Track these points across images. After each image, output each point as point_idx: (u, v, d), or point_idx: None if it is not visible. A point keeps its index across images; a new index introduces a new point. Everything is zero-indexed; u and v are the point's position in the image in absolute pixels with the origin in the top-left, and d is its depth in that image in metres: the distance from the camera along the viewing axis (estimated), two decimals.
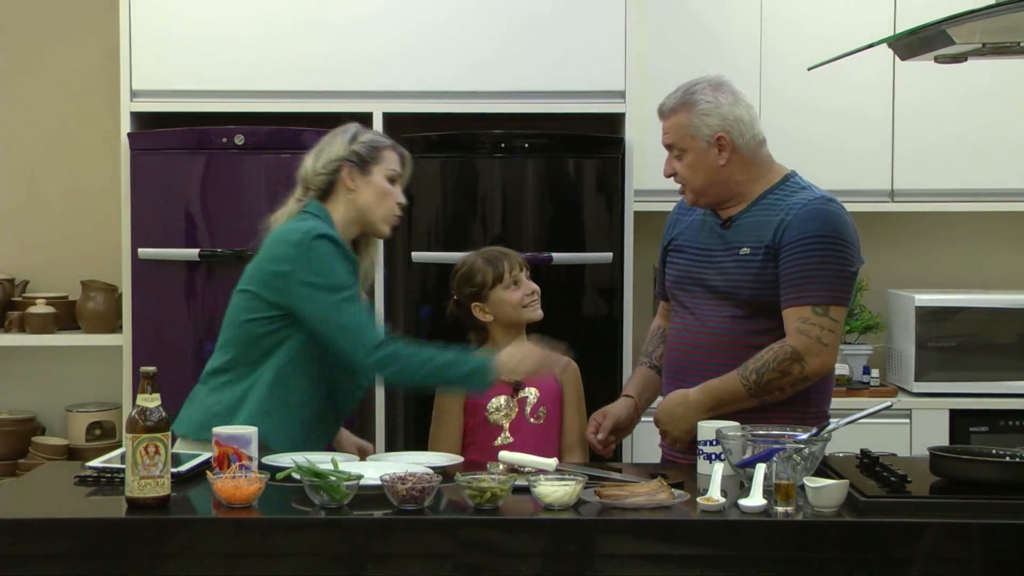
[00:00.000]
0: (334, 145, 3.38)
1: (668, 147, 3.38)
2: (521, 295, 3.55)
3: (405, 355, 3.21)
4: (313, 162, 3.38)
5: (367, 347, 3.18)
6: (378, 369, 3.26)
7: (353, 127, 3.43)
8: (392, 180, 3.37)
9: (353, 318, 3.20)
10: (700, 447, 3.13)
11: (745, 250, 3.30)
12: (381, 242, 3.52)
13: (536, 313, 3.57)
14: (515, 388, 3.53)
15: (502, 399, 3.53)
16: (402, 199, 3.40)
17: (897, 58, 3.31)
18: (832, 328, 3.22)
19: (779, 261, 3.25)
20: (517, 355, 3.32)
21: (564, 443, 3.57)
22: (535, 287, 3.57)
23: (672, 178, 3.39)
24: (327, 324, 3.20)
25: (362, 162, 3.35)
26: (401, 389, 3.26)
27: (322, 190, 3.35)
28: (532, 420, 3.53)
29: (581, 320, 4.53)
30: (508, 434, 3.51)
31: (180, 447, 3.20)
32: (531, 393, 3.54)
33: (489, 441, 3.51)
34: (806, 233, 3.24)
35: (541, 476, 2.84)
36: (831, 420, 3.11)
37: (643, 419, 3.58)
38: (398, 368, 3.22)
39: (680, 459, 3.34)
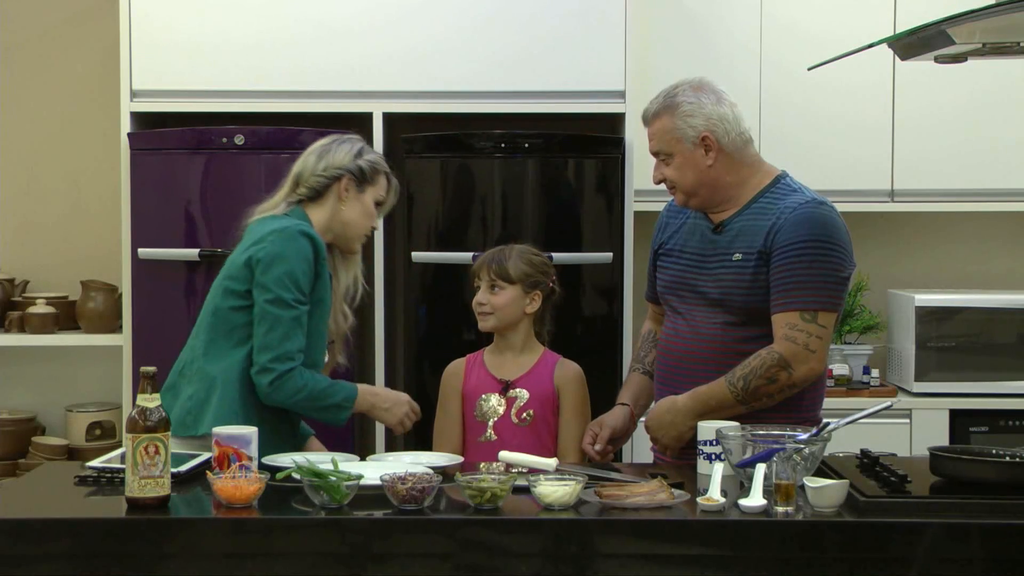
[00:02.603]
0: (340, 153, 3.42)
1: (655, 154, 3.36)
2: (475, 301, 3.55)
3: (298, 375, 3.24)
4: (315, 162, 3.42)
5: (277, 354, 3.22)
6: (267, 374, 3.23)
7: (359, 141, 3.49)
8: (378, 204, 3.47)
9: (284, 327, 3.23)
10: (700, 447, 3.12)
11: (737, 256, 3.27)
12: (360, 259, 3.54)
13: (483, 323, 3.54)
14: (504, 387, 3.51)
15: (493, 397, 3.52)
16: (378, 225, 3.53)
17: (897, 58, 3.31)
18: (820, 334, 3.19)
19: (770, 265, 3.22)
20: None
21: (559, 447, 3.51)
22: (485, 301, 3.52)
23: (662, 184, 3.38)
24: (259, 320, 3.26)
25: (362, 179, 3.42)
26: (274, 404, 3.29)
27: (314, 191, 3.39)
28: (515, 421, 3.49)
29: (580, 320, 4.53)
30: (492, 432, 3.49)
31: None
32: (521, 394, 3.51)
33: (473, 437, 3.50)
34: (796, 237, 3.20)
35: (541, 476, 2.84)
36: (832, 420, 3.09)
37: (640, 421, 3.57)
38: (285, 383, 3.23)
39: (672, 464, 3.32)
